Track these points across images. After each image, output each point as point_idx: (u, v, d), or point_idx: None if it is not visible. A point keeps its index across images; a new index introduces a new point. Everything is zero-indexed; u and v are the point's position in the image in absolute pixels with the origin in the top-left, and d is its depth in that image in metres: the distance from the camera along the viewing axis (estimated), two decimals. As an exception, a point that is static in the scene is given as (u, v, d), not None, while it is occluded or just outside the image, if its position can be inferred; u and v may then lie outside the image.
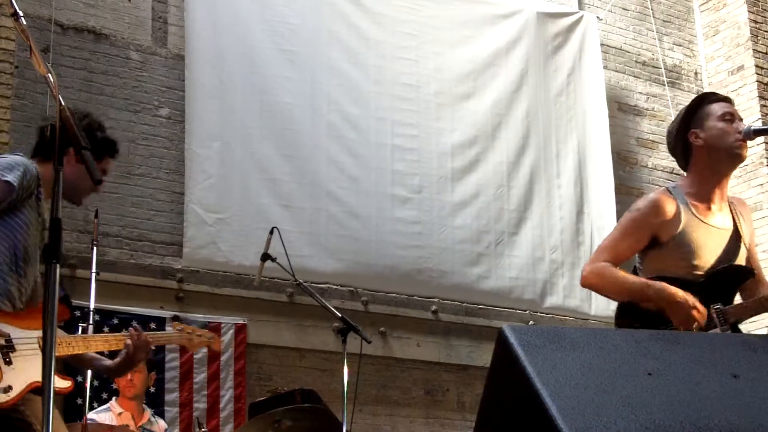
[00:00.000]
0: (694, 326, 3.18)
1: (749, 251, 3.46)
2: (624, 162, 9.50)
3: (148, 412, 5.73)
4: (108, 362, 3.48)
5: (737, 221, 3.47)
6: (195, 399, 6.93)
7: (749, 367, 2.05)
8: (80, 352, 3.31)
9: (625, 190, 9.14)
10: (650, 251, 3.42)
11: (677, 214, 3.37)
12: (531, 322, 8.29)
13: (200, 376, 7.01)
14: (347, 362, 5.06)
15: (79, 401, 5.36)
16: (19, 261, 3.14)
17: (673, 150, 3.59)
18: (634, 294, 3.32)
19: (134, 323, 3.47)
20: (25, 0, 6.86)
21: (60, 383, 3.20)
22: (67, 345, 3.25)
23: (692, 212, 3.40)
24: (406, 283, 8.03)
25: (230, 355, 7.15)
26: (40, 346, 3.08)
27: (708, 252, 3.37)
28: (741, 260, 3.43)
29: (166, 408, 6.77)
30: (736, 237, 3.44)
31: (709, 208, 3.43)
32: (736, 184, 9.15)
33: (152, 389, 5.92)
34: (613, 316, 9.44)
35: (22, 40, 5.75)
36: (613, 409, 1.82)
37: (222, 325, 7.18)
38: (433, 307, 8.14)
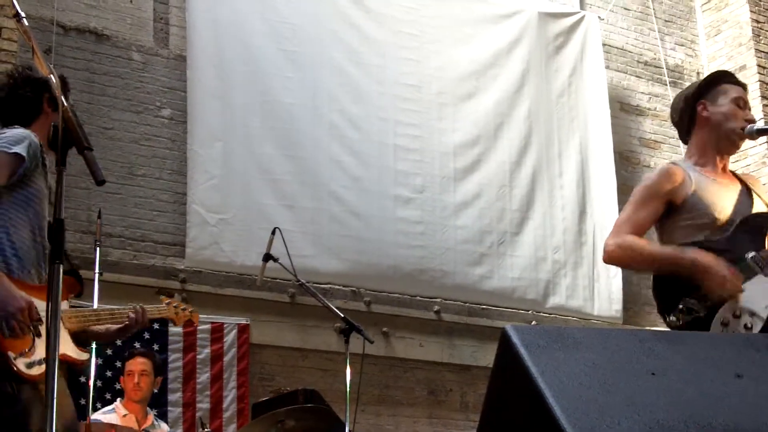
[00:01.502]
0: (727, 292, 3.15)
1: None
2: (626, 162, 9.50)
3: (152, 416, 5.76)
4: (100, 328, 3.61)
5: (748, 184, 3.49)
6: (198, 399, 6.94)
7: (753, 366, 2.05)
8: (92, 325, 3.47)
9: (628, 190, 9.09)
10: (667, 221, 3.40)
11: (687, 178, 3.38)
12: (534, 322, 8.29)
13: (203, 377, 7.01)
14: (350, 362, 5.07)
15: (83, 401, 5.37)
16: (40, 231, 3.21)
17: (678, 117, 3.59)
18: (665, 264, 3.27)
19: (138, 305, 3.62)
20: (27, 1, 6.86)
21: (77, 355, 3.34)
22: (83, 318, 3.42)
23: (701, 174, 3.42)
24: (409, 283, 8.03)
25: (233, 356, 7.16)
26: (60, 319, 3.19)
27: (724, 204, 3.36)
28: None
29: (169, 408, 6.78)
30: (747, 194, 3.44)
31: (715, 171, 3.46)
32: (738, 183, 9.13)
33: (156, 390, 5.94)
34: (615, 316, 9.39)
35: (24, 41, 5.76)
36: (616, 408, 1.82)
37: (225, 326, 7.19)
38: (436, 308, 8.13)
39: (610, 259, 3.39)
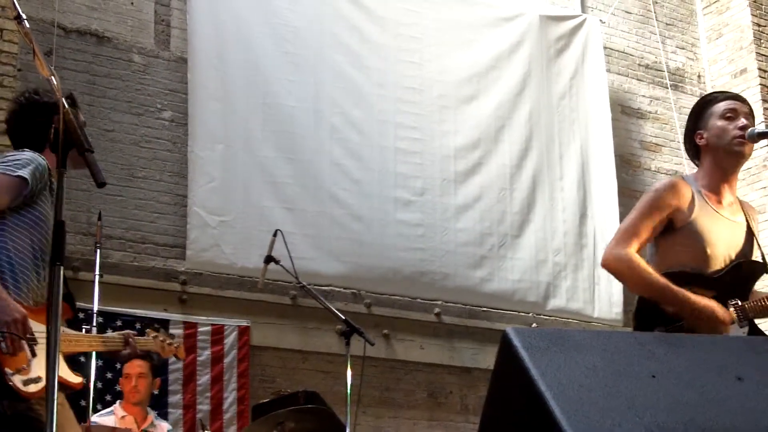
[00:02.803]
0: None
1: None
2: (627, 165, 9.49)
3: (152, 415, 5.76)
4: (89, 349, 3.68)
5: (749, 220, 3.49)
6: (198, 401, 6.94)
7: (754, 369, 2.05)
8: (83, 350, 3.51)
9: (629, 193, 9.13)
10: (663, 240, 3.41)
11: (692, 200, 3.39)
12: (534, 325, 8.28)
13: (204, 378, 7.01)
14: (350, 364, 5.07)
15: (83, 403, 5.37)
16: (40, 255, 3.21)
17: (687, 151, 3.64)
18: (658, 294, 3.29)
19: (130, 333, 3.65)
20: (28, 3, 6.87)
21: (73, 378, 3.34)
22: (75, 342, 3.42)
23: (705, 200, 3.42)
24: (409, 286, 8.02)
25: (233, 358, 7.16)
26: (60, 328, 3.22)
27: (720, 242, 3.36)
28: (755, 257, 3.44)
29: (169, 410, 6.78)
30: (748, 233, 3.45)
31: (720, 202, 3.46)
32: (739, 187, 9.12)
33: (156, 391, 5.94)
34: (615, 319, 9.39)
35: (25, 42, 5.76)
36: (617, 411, 1.81)
37: (225, 328, 7.19)
38: (436, 310, 8.13)
39: (606, 267, 3.43)
